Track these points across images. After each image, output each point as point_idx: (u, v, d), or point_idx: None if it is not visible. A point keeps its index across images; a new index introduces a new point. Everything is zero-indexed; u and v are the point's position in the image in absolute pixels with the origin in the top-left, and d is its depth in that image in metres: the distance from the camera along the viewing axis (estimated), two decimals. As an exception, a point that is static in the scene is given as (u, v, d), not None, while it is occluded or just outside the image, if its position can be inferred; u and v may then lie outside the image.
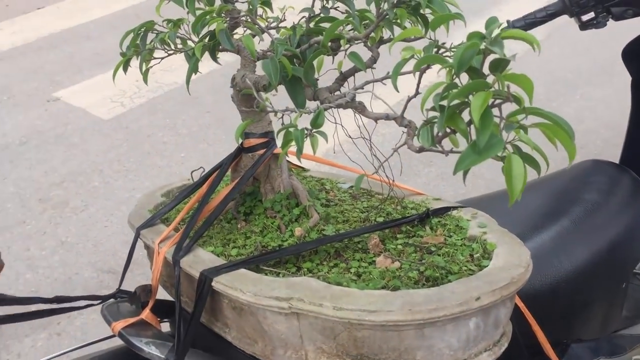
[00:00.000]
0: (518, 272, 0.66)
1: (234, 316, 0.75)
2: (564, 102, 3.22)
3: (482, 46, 0.49)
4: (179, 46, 0.91)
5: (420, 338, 0.63)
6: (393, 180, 0.88)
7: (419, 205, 0.90)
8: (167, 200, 1.03)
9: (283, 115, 0.72)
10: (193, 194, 0.95)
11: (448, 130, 0.53)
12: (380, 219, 0.87)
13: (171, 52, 0.93)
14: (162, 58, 0.94)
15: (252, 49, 0.72)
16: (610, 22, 1.35)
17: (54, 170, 2.87)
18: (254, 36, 0.79)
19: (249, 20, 0.75)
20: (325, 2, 0.76)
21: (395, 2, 0.72)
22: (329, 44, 0.70)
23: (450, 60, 0.55)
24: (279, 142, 0.81)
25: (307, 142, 0.68)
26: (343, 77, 0.80)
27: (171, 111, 3.31)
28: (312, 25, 0.79)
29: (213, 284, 0.73)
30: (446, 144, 0.61)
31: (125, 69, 0.92)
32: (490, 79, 0.52)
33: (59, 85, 3.63)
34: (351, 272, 0.74)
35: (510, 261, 0.69)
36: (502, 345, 0.69)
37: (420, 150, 0.64)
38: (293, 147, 0.69)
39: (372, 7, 0.77)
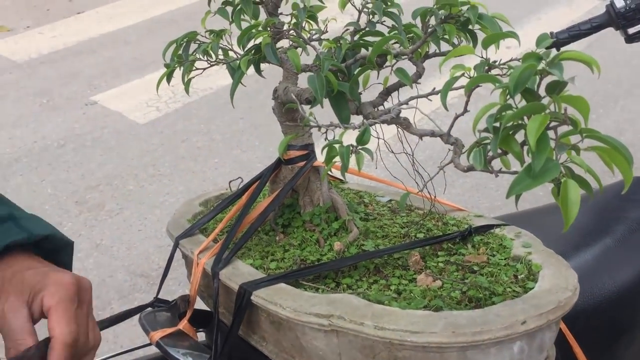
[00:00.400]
0: (565, 296, 0.64)
1: (272, 330, 0.75)
2: (604, 114, 3.16)
3: (540, 67, 0.48)
4: (221, 57, 0.91)
5: (463, 361, 0.62)
6: (435, 196, 0.87)
7: (460, 222, 0.88)
8: (206, 209, 1.03)
9: (327, 130, 0.71)
10: (232, 204, 0.95)
11: (499, 151, 0.52)
12: (421, 235, 0.86)
13: (214, 62, 0.93)
14: (205, 69, 0.95)
15: (297, 63, 0.72)
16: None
17: (90, 173, 2.92)
18: (296, 47, 0.79)
19: (294, 33, 0.75)
20: (371, 16, 0.76)
21: (443, 17, 0.71)
22: (375, 59, 0.70)
23: (503, 80, 0.54)
24: (319, 154, 0.81)
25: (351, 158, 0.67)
26: (387, 92, 0.79)
27: (205, 117, 3.34)
28: (356, 38, 0.79)
29: (252, 297, 0.73)
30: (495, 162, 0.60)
31: (168, 80, 0.93)
32: (545, 100, 0.50)
33: (97, 89, 3.70)
34: (391, 290, 0.73)
35: (557, 284, 0.67)
36: (546, 370, 0.67)
37: (469, 169, 0.63)
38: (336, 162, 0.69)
39: (418, 21, 0.76)
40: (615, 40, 1.33)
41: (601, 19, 1.30)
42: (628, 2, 1.35)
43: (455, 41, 0.71)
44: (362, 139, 0.64)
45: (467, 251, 0.80)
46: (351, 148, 0.63)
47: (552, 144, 0.49)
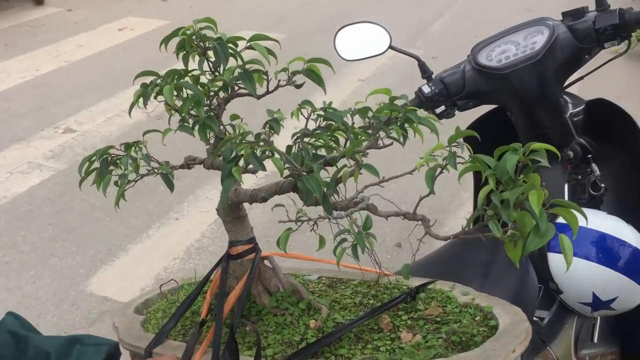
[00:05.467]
0: (526, 326, 0.83)
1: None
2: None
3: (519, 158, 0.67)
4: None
5: (476, 390, 0.76)
6: (380, 266, 1.01)
7: (397, 285, 1.03)
8: (147, 315, 1.04)
9: (311, 221, 0.83)
10: (191, 307, 0.99)
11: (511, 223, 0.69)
12: (371, 302, 0.99)
13: (151, 173, 0.97)
14: (136, 180, 0.98)
15: (280, 168, 0.81)
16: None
17: None
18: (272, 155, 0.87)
19: (265, 143, 0.85)
20: (319, 122, 0.90)
21: (385, 119, 0.88)
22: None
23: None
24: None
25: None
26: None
27: (7, 228, 3.07)
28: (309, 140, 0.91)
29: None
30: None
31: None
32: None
33: None
34: (382, 351, 0.85)
35: (514, 318, 0.86)
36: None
37: (446, 238, 0.79)
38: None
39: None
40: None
41: (413, 102, 1.58)
42: (432, 87, 1.67)
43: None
44: (366, 225, 0.77)
45: (421, 307, 0.95)
46: (363, 233, 0.76)
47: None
